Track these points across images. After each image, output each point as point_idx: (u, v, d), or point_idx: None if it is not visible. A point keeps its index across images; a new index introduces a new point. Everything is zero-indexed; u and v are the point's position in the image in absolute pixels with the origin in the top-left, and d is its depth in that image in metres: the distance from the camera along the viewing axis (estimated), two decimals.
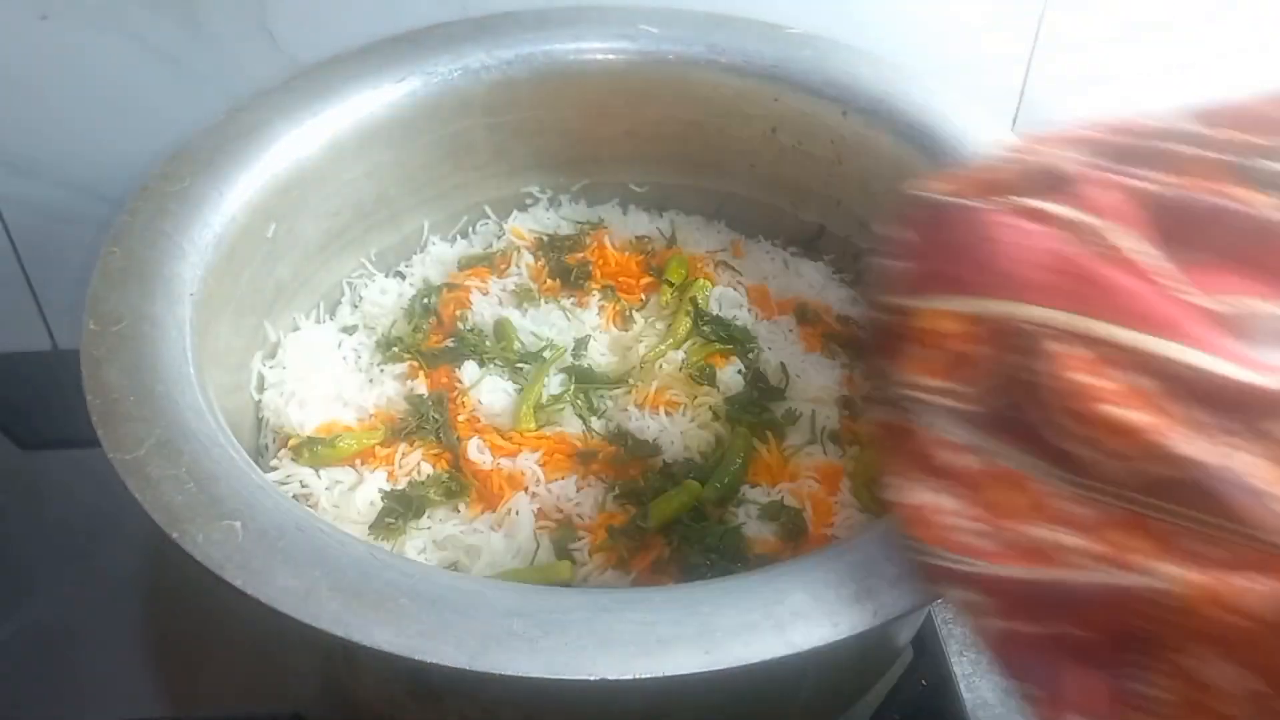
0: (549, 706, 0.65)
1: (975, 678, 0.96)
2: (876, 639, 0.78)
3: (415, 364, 0.90)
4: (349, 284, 0.98)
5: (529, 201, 1.05)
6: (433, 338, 0.93)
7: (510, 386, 0.88)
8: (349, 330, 0.95)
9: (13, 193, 1.08)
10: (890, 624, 0.58)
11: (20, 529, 1.05)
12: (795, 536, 0.79)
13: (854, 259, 1.00)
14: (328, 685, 0.82)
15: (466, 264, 1.00)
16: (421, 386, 0.88)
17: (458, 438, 0.84)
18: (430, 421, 0.85)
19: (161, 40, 1.01)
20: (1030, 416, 0.57)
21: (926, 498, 0.58)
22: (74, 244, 1.08)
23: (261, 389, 0.88)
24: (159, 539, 0.60)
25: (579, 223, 1.04)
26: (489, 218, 1.04)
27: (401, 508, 0.80)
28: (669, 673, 0.55)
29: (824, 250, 1.02)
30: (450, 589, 0.58)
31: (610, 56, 0.98)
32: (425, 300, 0.95)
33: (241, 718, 0.91)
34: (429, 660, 0.55)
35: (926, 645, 0.96)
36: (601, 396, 0.88)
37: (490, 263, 0.99)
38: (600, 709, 0.65)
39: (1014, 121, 1.11)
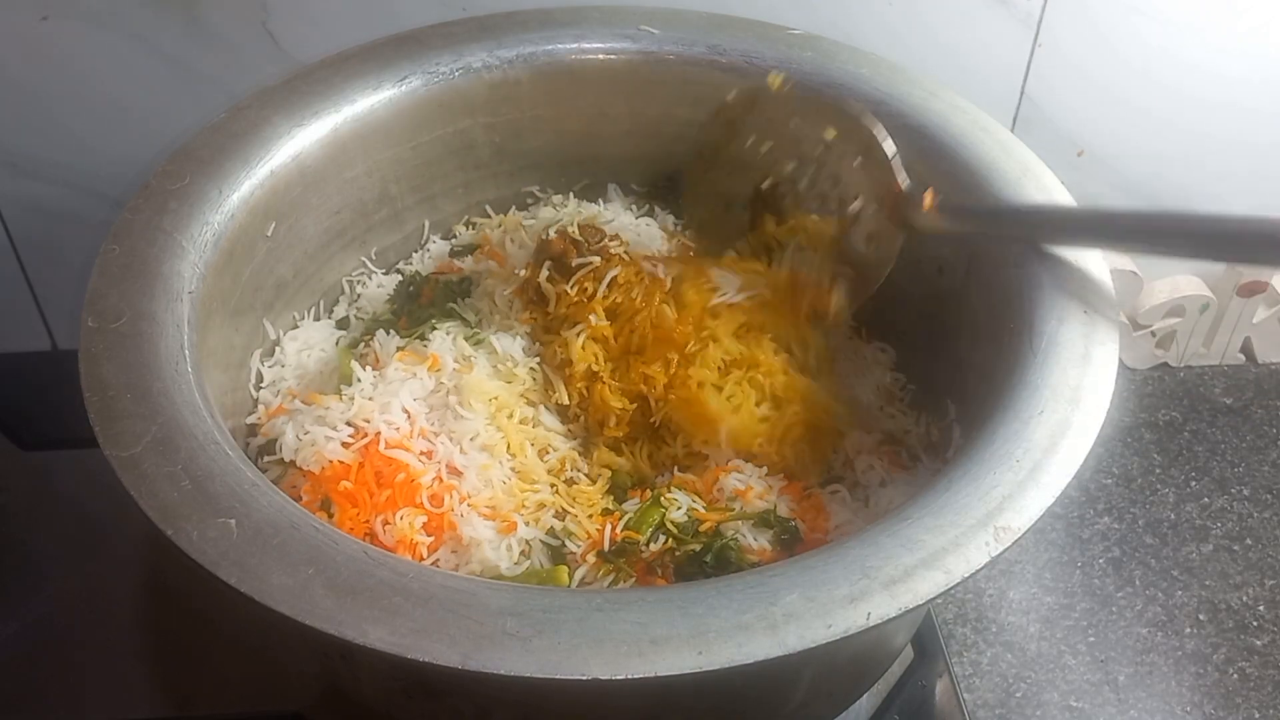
0: (543, 705, 0.66)
1: (975, 678, 0.96)
2: (873, 641, 0.78)
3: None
4: (349, 282, 0.98)
5: (529, 201, 1.05)
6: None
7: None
8: (343, 324, 0.95)
9: (13, 193, 1.09)
10: (885, 626, 0.58)
11: (20, 529, 1.06)
12: (789, 547, 0.79)
13: None
14: (327, 685, 0.82)
15: (458, 253, 1.00)
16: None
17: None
18: None
19: (162, 40, 1.01)
20: None
21: None
22: (74, 244, 1.09)
23: (259, 387, 0.88)
24: (158, 538, 0.60)
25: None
26: (490, 217, 1.04)
27: None
28: (661, 673, 0.55)
29: None
30: (444, 588, 0.58)
31: (611, 57, 0.98)
32: (410, 288, 0.96)
33: (242, 717, 0.91)
34: (422, 659, 0.55)
35: (926, 646, 0.96)
36: None
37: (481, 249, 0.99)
38: (594, 708, 0.65)
39: (1014, 121, 1.11)
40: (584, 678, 0.54)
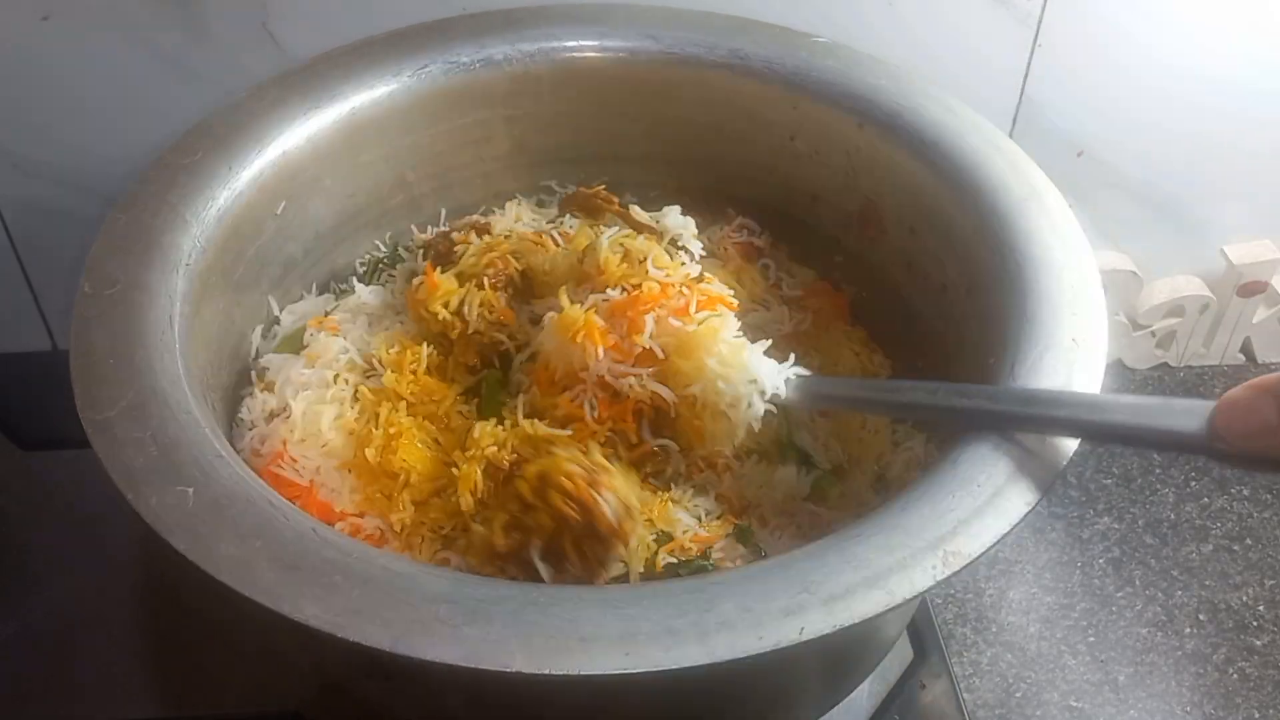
0: (491, 694, 0.66)
1: (975, 678, 0.96)
2: (837, 651, 0.77)
3: None
4: (361, 265, 0.99)
5: (545, 196, 1.05)
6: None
7: None
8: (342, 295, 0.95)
9: (13, 192, 1.09)
10: (829, 640, 0.58)
11: (20, 529, 1.06)
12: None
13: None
14: (324, 683, 0.82)
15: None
16: None
17: None
18: None
19: (162, 41, 1.01)
20: None
21: None
22: (74, 244, 1.08)
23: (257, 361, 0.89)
24: (159, 538, 0.61)
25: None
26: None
27: None
28: (585, 672, 0.54)
29: None
30: (384, 570, 0.59)
31: (633, 55, 0.98)
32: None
33: (241, 717, 0.91)
34: (351, 639, 0.55)
35: (926, 646, 0.96)
36: None
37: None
38: (533, 702, 0.65)
39: (1014, 122, 1.10)
40: (508, 670, 0.54)
